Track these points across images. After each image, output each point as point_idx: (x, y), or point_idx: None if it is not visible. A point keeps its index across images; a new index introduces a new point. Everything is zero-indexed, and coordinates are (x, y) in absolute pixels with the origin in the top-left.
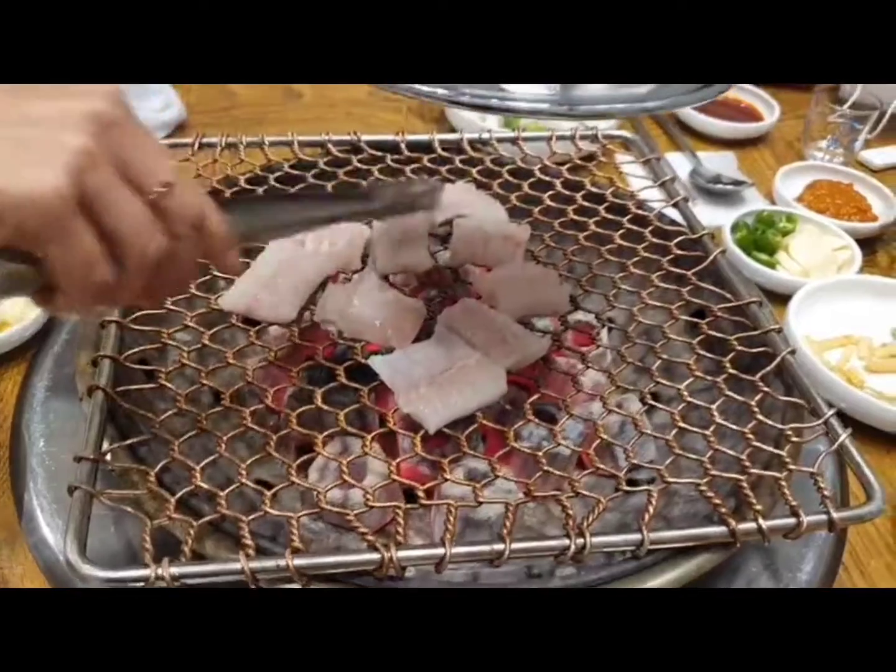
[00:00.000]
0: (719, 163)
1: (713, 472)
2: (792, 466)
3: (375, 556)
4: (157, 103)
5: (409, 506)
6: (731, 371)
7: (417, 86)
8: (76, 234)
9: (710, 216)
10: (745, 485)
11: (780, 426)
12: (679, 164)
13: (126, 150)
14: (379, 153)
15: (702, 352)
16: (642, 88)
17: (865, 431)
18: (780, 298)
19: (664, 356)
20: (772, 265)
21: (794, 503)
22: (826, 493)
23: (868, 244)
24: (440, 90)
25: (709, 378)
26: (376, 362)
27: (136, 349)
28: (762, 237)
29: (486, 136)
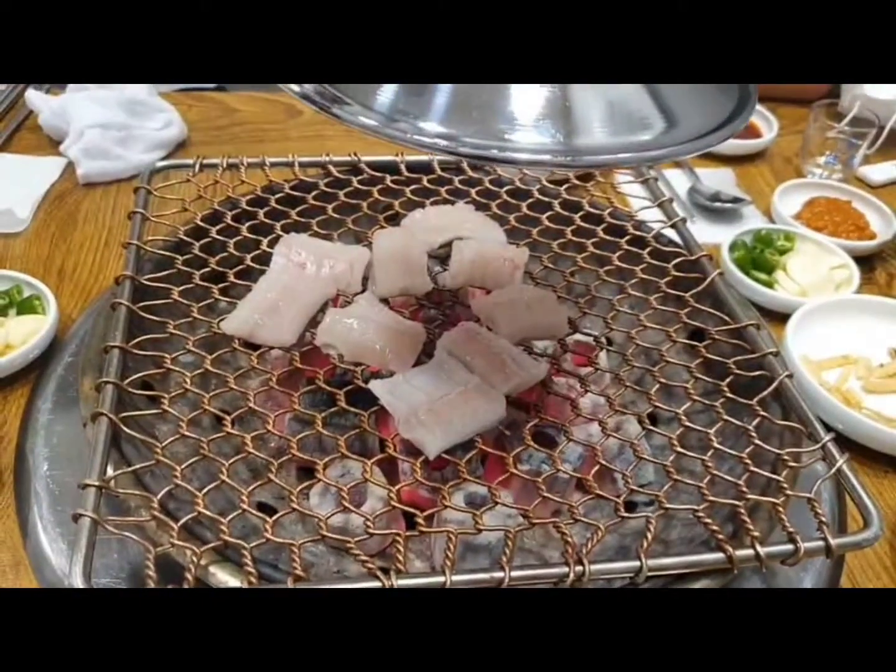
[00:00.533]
0: (718, 179)
1: (711, 498)
2: (789, 492)
3: (376, 584)
4: (158, 122)
5: (409, 533)
6: (729, 395)
7: (418, 136)
8: None
9: (709, 234)
10: (742, 510)
11: (777, 450)
12: (677, 180)
13: None
14: (379, 174)
15: (700, 375)
16: (646, 135)
17: (864, 452)
18: (778, 318)
19: (662, 379)
20: (770, 284)
21: (791, 530)
22: (823, 518)
23: (866, 262)
24: (442, 141)
25: (706, 402)
26: (376, 387)
27: (139, 374)
28: (760, 256)
29: None
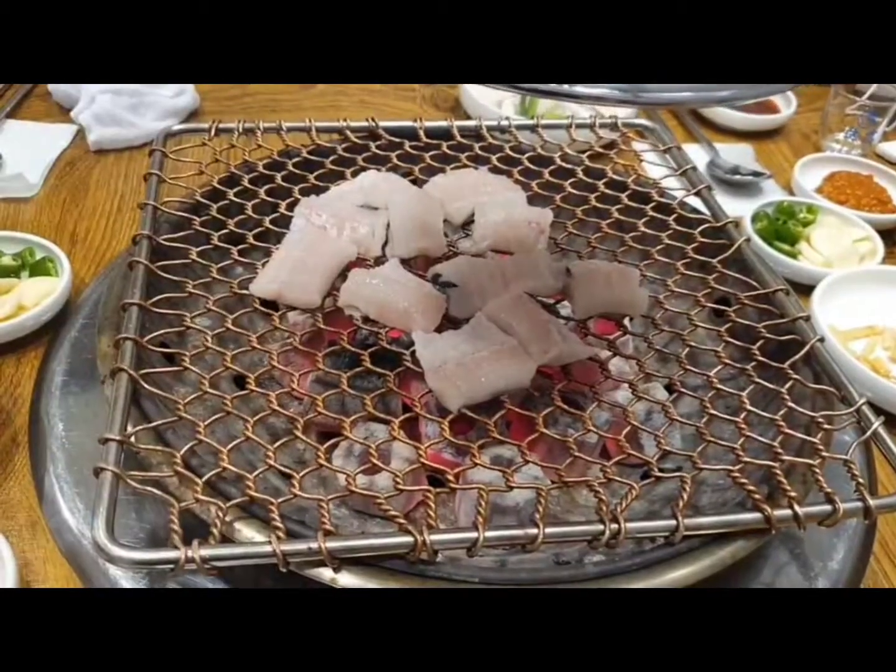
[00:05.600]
0: (736, 155)
1: (745, 459)
2: (825, 454)
3: (408, 539)
4: (171, 89)
5: (439, 490)
6: (760, 359)
7: None
8: None
9: (729, 207)
10: (778, 471)
11: (811, 413)
12: (696, 156)
13: None
14: (397, 140)
15: (730, 339)
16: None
17: (893, 422)
18: (803, 289)
19: (692, 343)
20: (793, 255)
21: (829, 490)
22: (861, 480)
23: (889, 235)
24: None
25: (738, 366)
26: (418, 336)
27: (157, 332)
28: (783, 227)
29: (504, 123)
